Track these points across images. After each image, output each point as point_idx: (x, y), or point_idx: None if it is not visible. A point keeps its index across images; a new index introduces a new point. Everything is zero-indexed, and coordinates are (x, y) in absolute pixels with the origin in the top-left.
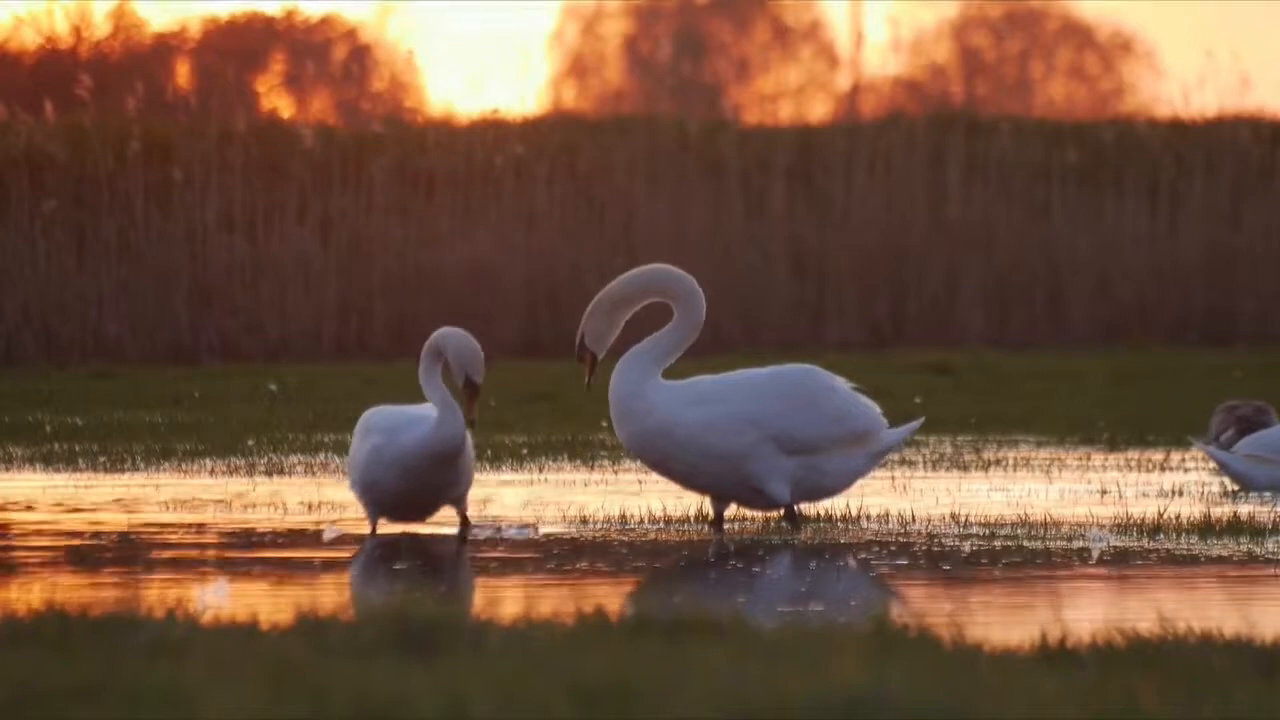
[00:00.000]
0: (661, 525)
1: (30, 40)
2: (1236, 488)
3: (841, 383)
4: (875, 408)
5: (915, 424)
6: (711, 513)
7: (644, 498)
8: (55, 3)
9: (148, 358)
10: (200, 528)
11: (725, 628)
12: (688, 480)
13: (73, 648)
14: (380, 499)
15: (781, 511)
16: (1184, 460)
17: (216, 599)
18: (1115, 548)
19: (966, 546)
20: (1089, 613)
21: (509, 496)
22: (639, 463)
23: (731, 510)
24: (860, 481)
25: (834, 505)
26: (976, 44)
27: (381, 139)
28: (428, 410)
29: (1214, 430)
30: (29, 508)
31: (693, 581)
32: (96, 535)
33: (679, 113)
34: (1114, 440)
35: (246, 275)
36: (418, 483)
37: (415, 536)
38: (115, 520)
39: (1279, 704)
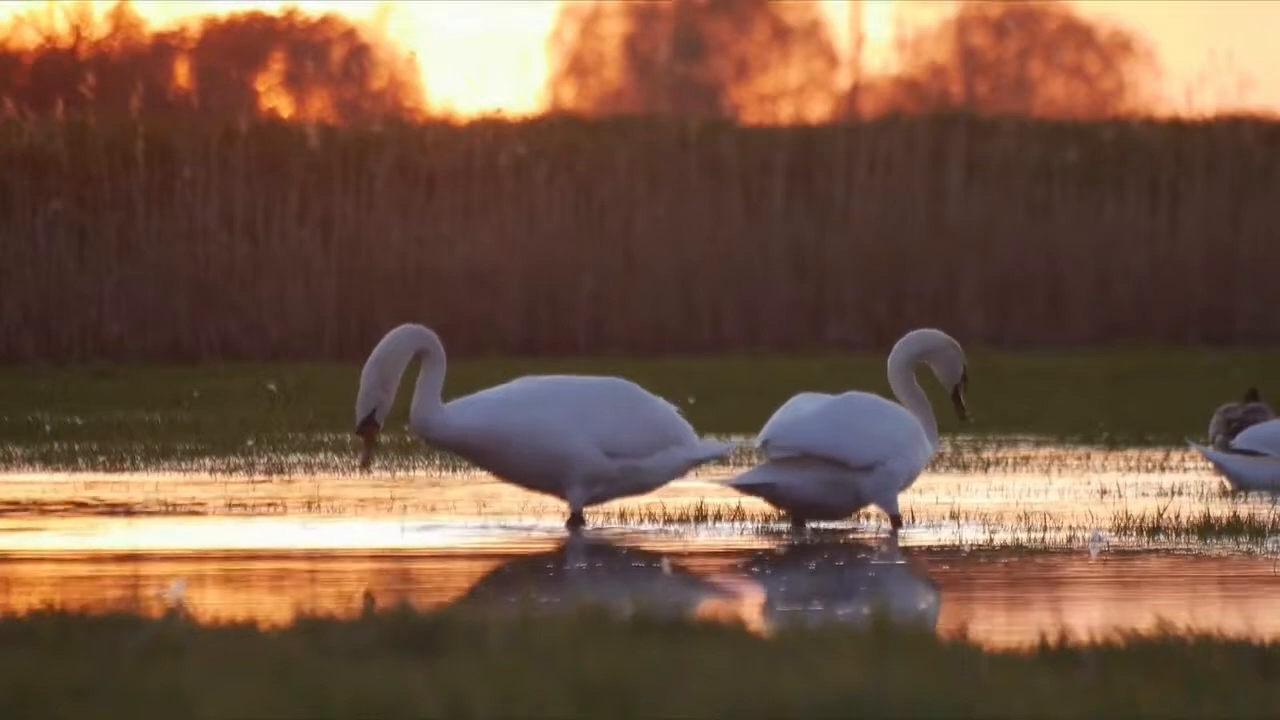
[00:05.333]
0: (660, 524)
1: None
2: (1234, 487)
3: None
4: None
5: (728, 446)
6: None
7: (642, 496)
8: (55, 2)
9: (148, 357)
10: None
11: (725, 628)
12: (500, 474)
13: (71, 647)
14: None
15: (570, 515)
16: (1184, 460)
17: (176, 596)
18: (1115, 548)
19: (966, 546)
20: (1089, 613)
21: (508, 495)
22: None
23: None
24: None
25: None
26: (977, 44)
27: (381, 139)
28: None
29: (1211, 432)
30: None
31: (693, 581)
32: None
33: (679, 112)
34: (1114, 440)
35: (246, 275)
36: None
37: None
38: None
39: (1279, 704)
